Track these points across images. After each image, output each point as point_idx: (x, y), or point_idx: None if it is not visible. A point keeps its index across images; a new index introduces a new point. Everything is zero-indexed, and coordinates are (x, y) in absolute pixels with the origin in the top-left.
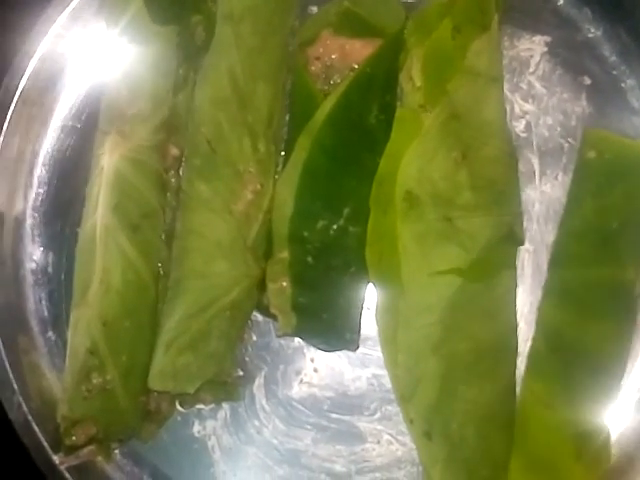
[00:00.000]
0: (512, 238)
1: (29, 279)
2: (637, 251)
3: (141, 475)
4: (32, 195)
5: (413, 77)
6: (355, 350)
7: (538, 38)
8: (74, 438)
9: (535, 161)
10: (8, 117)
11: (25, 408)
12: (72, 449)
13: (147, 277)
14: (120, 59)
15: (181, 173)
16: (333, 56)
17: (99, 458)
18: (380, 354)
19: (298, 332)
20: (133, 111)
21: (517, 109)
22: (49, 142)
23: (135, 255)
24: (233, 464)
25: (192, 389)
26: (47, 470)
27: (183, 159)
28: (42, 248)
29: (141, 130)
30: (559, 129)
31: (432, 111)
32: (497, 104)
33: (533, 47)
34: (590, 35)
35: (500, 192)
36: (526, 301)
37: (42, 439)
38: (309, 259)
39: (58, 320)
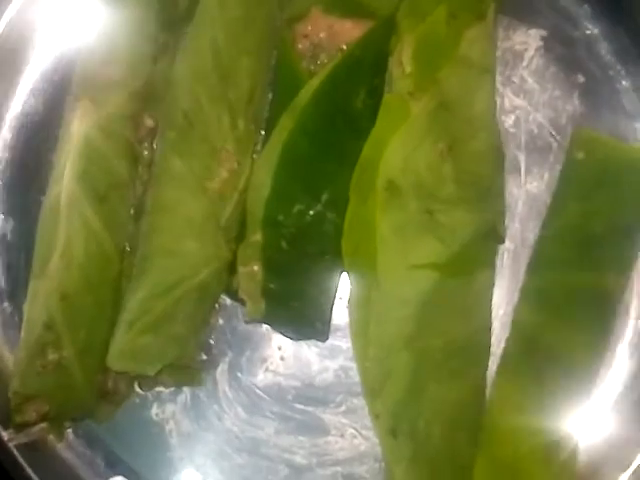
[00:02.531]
0: (493, 236)
1: None
2: (619, 258)
3: (94, 457)
4: None
5: (403, 62)
6: (325, 341)
7: (534, 32)
8: (25, 415)
9: (522, 158)
10: None
11: None
12: (22, 426)
13: (111, 251)
14: (96, 21)
15: (155, 146)
16: (321, 35)
17: (50, 437)
18: (349, 346)
19: (267, 319)
20: (107, 77)
21: (507, 103)
22: (16, 104)
23: (100, 227)
24: (191, 450)
25: (152, 372)
26: None
27: (158, 131)
28: (2, 215)
29: (115, 97)
30: (548, 127)
31: (421, 99)
32: (488, 97)
33: (528, 40)
34: (587, 32)
35: (485, 188)
36: (502, 301)
37: None
38: (283, 244)
39: (15, 291)
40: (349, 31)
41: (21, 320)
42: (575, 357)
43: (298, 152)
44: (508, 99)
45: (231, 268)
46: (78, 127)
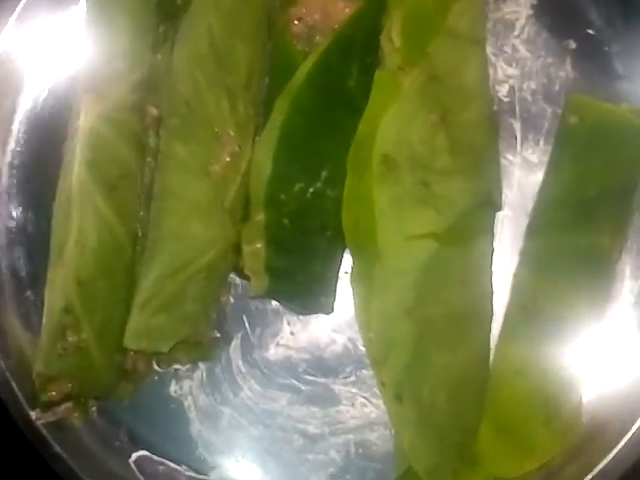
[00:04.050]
0: (490, 204)
1: (7, 238)
2: (615, 218)
3: (117, 433)
4: (9, 153)
5: (393, 38)
6: (329, 313)
7: (524, 0)
8: (49, 394)
9: (517, 126)
10: None
11: (3, 364)
12: (48, 405)
13: (123, 238)
14: (99, 15)
15: (160, 134)
16: (315, 16)
17: (76, 415)
18: None
19: (272, 294)
20: (110, 69)
21: (500, 73)
22: (27, 99)
23: (111, 216)
24: (209, 424)
25: (166, 348)
26: (24, 426)
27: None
28: (20, 207)
29: (118, 89)
30: (542, 94)
31: (411, 73)
32: (478, 67)
33: (519, 9)
34: None
35: (479, 157)
36: (503, 267)
37: (19, 395)
38: (285, 222)
39: (36, 280)
40: (342, 11)
41: (43, 307)
42: (574, 318)
43: (296, 133)
44: (501, 69)
45: (238, 248)
46: (85, 119)
